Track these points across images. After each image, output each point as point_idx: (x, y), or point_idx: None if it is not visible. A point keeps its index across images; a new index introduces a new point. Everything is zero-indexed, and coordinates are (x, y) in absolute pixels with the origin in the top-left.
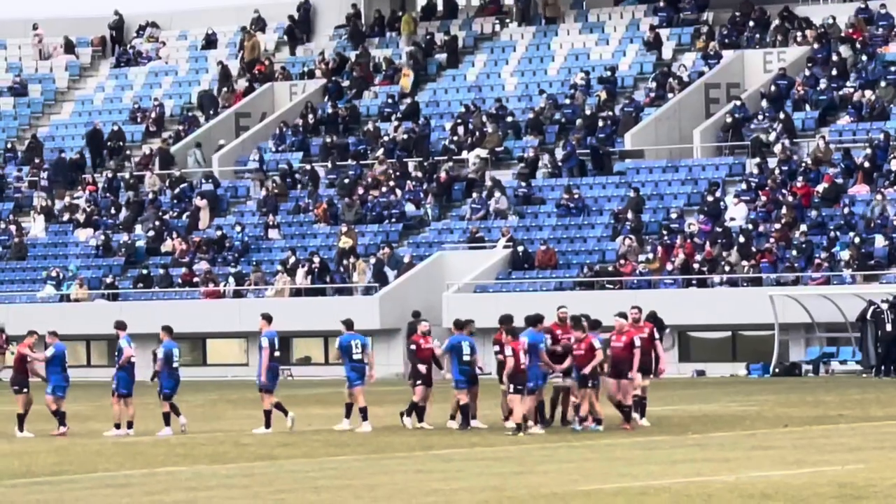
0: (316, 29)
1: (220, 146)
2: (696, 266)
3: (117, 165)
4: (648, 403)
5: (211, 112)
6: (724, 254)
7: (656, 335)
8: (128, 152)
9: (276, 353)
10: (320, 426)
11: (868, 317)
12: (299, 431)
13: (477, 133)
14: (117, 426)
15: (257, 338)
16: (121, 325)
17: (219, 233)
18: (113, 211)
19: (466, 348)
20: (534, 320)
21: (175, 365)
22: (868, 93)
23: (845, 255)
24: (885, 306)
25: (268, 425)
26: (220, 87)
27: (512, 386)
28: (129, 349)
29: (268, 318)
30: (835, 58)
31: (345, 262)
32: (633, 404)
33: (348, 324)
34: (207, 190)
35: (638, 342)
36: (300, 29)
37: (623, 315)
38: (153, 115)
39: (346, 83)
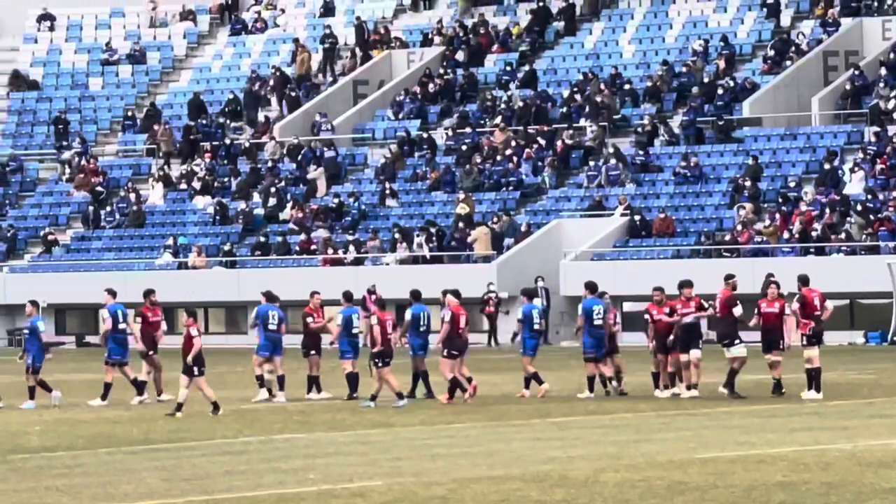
0: None
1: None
2: (813, 234)
3: (233, 133)
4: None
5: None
6: (850, 219)
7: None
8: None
9: (121, 325)
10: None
11: None
12: (415, 400)
13: (595, 101)
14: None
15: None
16: (35, 304)
17: (336, 200)
18: (226, 179)
19: (598, 311)
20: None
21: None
22: None
23: None
24: None
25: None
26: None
27: (446, 350)
28: (42, 335)
29: (112, 293)
30: None
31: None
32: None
33: (269, 295)
34: (326, 157)
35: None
36: None
37: (773, 286)
38: (271, 82)
39: (463, 51)
